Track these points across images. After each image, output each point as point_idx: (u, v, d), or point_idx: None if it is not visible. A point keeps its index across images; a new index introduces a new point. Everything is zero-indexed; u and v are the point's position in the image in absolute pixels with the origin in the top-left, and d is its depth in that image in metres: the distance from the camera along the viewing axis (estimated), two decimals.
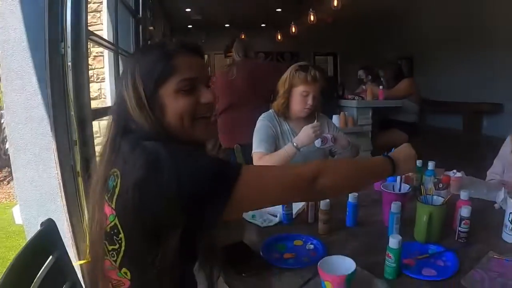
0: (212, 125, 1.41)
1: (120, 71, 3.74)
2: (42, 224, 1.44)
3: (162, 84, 1.26)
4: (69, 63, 2.31)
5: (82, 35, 2.42)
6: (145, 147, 1.16)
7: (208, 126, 1.38)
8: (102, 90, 4.75)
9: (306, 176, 1.25)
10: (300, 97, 2.77)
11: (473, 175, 2.95)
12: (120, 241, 1.18)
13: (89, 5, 4.43)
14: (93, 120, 2.51)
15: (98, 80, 4.76)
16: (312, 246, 1.70)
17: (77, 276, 1.58)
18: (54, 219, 1.49)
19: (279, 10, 11.85)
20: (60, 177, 2.30)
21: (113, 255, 1.21)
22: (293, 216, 2.00)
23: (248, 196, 1.19)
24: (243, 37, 12.03)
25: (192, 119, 1.30)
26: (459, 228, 1.74)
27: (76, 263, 2.22)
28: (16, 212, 4.57)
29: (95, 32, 3.29)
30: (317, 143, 2.60)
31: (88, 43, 2.55)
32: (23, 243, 1.32)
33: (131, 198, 1.10)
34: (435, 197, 1.81)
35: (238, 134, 4.13)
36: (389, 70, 6.15)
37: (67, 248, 1.53)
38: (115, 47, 3.86)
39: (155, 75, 1.25)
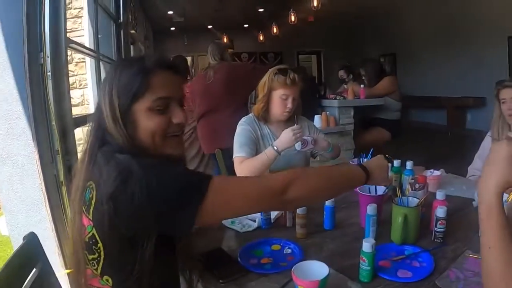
0: (182, 141, 1.44)
1: (102, 77, 3.76)
2: (24, 238, 1.46)
3: (136, 101, 1.29)
4: (49, 73, 2.32)
5: (61, 44, 2.43)
6: (118, 161, 1.20)
7: (179, 143, 1.42)
8: (85, 97, 4.75)
9: (275, 188, 1.29)
10: (280, 100, 2.79)
11: (456, 171, 2.99)
12: (99, 251, 1.22)
13: (70, 11, 4.44)
14: (77, 127, 2.53)
15: (81, 86, 4.75)
16: (289, 250, 1.72)
17: (61, 287, 1.60)
18: (39, 229, 1.53)
19: (261, 10, 11.86)
20: (43, 187, 2.31)
21: (93, 264, 1.24)
22: (272, 221, 2.02)
23: (217, 207, 1.23)
24: (225, 40, 12.05)
25: (163, 137, 1.34)
26: (435, 229, 1.77)
27: (63, 272, 2.24)
28: (2, 223, 4.57)
29: (76, 38, 3.30)
30: (298, 146, 2.63)
31: (68, 50, 2.55)
32: (10, 253, 1.35)
33: (107, 210, 1.14)
34: (410, 198, 1.83)
35: (219, 138, 4.17)
36: (370, 68, 6.17)
37: (54, 257, 1.56)
38: (96, 53, 3.86)
39: (131, 91, 1.29)
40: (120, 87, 1.29)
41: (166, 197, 1.16)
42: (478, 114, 10.14)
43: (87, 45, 4.16)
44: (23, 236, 1.47)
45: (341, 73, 6.92)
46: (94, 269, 1.25)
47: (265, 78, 2.83)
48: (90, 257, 1.24)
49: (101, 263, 1.23)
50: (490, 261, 1.06)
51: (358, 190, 1.94)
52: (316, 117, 5.48)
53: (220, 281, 1.46)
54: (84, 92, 4.75)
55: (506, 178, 1.05)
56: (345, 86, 6.37)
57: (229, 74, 4.33)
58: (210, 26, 13.96)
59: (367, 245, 1.41)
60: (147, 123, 1.30)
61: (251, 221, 2.01)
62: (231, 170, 3.00)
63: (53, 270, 1.51)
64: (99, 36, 4.12)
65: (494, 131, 2.86)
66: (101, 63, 3.97)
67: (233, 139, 2.82)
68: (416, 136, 10.51)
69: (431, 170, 2.55)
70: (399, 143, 6.56)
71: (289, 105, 2.79)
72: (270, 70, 2.84)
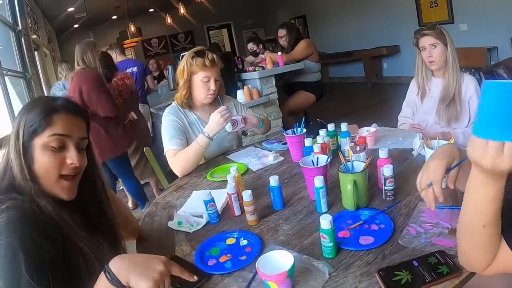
0: (74, 186, 1.41)
1: (10, 93, 3.53)
2: None
3: (36, 135, 1.32)
4: None
5: None
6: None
7: (70, 187, 1.39)
8: None
9: None
10: (202, 84, 2.71)
11: (384, 119, 3.01)
12: None
13: None
14: None
15: None
16: (245, 242, 1.63)
17: None
18: None
19: None
20: None
21: None
22: (219, 213, 1.92)
23: None
24: (132, 28, 11.75)
25: (57, 176, 1.35)
26: (385, 188, 1.75)
27: None
28: None
29: None
30: (228, 127, 2.56)
31: None
32: None
33: None
34: (355, 162, 1.78)
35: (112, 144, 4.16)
36: (288, 33, 6.14)
37: None
38: None
39: (32, 126, 1.32)
40: (26, 122, 1.33)
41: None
42: (393, 62, 10.55)
43: None
44: None
45: (250, 45, 6.83)
46: None
47: (183, 63, 2.73)
48: None
49: None
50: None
51: (301, 164, 1.87)
52: (239, 92, 5.44)
53: None
54: None
55: None
56: (262, 56, 6.31)
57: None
58: (114, 17, 13.60)
59: (325, 222, 1.36)
60: (42, 159, 1.33)
61: (199, 218, 1.90)
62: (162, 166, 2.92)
63: None
64: None
65: (418, 78, 2.94)
66: (6, 77, 3.73)
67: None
68: (339, 92, 10.83)
69: (367, 128, 2.53)
70: (324, 103, 6.64)
71: (212, 87, 2.72)
72: (186, 54, 2.75)
